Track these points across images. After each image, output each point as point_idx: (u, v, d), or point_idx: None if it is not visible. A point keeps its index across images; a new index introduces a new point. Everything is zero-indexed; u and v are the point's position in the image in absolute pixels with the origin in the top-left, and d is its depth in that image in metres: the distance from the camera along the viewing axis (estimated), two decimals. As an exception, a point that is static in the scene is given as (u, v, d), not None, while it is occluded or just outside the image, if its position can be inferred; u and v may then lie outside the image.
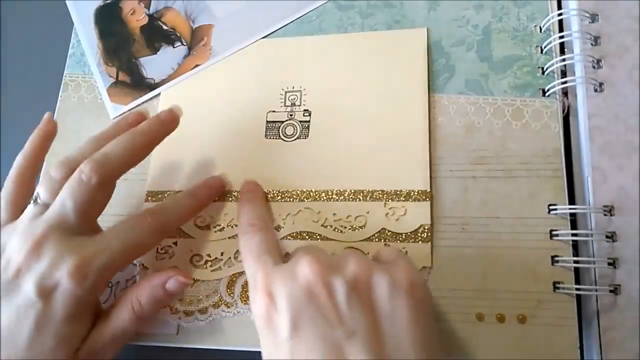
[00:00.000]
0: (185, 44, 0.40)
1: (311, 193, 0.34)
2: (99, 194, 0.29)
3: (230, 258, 0.33)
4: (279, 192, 0.34)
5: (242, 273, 0.33)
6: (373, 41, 0.37)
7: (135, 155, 0.30)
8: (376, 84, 0.35)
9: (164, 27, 0.41)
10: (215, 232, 0.34)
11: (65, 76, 0.41)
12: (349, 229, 0.32)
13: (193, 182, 0.35)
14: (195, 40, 0.40)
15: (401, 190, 0.32)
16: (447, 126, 0.34)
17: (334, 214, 0.33)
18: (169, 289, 0.30)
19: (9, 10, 0.48)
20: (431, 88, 0.35)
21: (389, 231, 0.32)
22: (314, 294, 0.24)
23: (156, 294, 0.30)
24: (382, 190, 0.33)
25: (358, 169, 0.34)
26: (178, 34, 0.41)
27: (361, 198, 0.33)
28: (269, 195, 0.34)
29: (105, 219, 0.33)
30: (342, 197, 0.33)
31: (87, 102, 0.40)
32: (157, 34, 0.41)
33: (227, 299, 0.32)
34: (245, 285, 0.32)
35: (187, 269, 0.33)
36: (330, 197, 0.33)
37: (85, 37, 0.42)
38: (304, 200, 0.33)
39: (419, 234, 0.31)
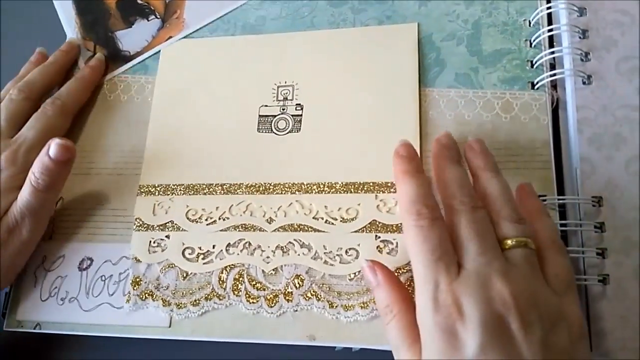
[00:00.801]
0: (159, 17, 0.42)
1: (303, 186, 0.34)
2: (25, 104, 0.38)
3: (222, 250, 0.33)
4: (270, 184, 0.34)
5: (233, 265, 0.33)
6: (364, 36, 0.37)
7: (48, 75, 0.40)
8: (368, 78, 0.36)
9: (139, 1, 0.43)
10: (207, 225, 0.34)
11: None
12: (340, 220, 0.33)
13: (186, 175, 0.35)
14: (169, 13, 0.42)
15: (392, 182, 0.33)
16: (438, 119, 0.34)
17: (325, 207, 0.33)
18: (52, 155, 0.32)
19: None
20: (422, 82, 0.35)
21: (379, 222, 0.32)
22: (508, 322, 0.23)
23: (44, 162, 0.32)
24: (373, 182, 0.33)
25: (349, 162, 0.34)
26: (152, 8, 0.42)
27: (352, 190, 0.33)
28: (260, 188, 0.34)
29: (103, 213, 0.34)
30: (334, 190, 0.33)
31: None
32: (132, 9, 0.43)
33: (219, 291, 0.32)
34: (238, 278, 0.33)
35: (179, 262, 0.33)
36: (321, 189, 0.33)
37: (64, 13, 0.45)
38: (296, 193, 0.34)
39: None
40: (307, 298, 0.32)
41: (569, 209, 0.32)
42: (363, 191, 0.33)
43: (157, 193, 0.35)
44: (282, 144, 0.35)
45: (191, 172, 0.35)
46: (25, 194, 0.33)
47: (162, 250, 0.34)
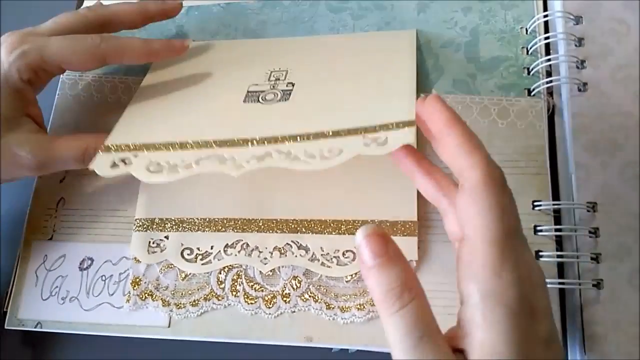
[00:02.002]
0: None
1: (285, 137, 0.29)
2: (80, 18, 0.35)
3: (220, 251, 0.34)
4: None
5: (231, 267, 0.33)
6: (363, 42, 0.38)
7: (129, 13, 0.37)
8: (365, 80, 0.35)
9: None
10: (205, 225, 0.34)
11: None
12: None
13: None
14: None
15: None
16: (435, 124, 0.35)
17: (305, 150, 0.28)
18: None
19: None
20: (420, 87, 0.36)
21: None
22: None
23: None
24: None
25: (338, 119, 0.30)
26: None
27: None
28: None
29: (103, 214, 0.34)
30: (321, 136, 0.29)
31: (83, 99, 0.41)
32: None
33: (217, 292, 0.33)
34: (236, 279, 0.33)
35: (178, 263, 0.34)
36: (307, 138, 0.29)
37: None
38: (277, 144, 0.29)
39: (406, 228, 0.32)
40: (304, 299, 0.32)
41: (564, 215, 0.32)
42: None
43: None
44: (268, 111, 0.32)
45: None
46: (71, 155, 0.32)
47: (162, 251, 0.34)
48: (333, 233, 0.33)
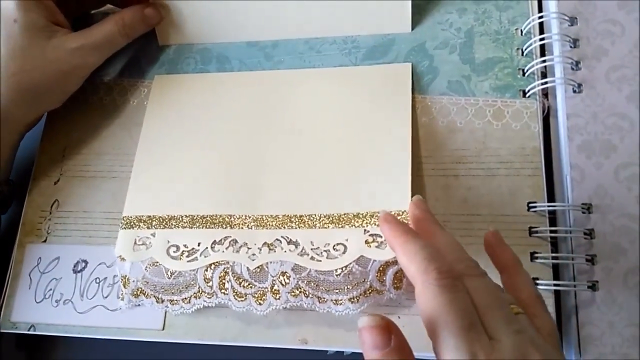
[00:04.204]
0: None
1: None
2: None
3: (207, 248, 0.33)
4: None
5: (218, 263, 0.32)
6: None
7: None
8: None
9: None
10: (193, 222, 0.34)
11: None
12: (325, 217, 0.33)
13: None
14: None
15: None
16: (430, 126, 0.35)
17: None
18: (147, 14, 0.39)
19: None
20: (415, 89, 0.36)
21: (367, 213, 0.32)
22: None
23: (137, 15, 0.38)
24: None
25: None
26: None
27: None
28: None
29: (98, 216, 0.34)
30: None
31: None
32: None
33: (206, 290, 0.32)
34: (223, 276, 0.32)
35: (163, 260, 0.33)
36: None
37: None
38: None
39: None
40: (294, 295, 0.31)
41: (559, 216, 0.32)
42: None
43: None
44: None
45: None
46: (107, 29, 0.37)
47: (147, 249, 0.33)
48: (324, 227, 0.32)
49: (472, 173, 0.33)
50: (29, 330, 0.34)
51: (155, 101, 0.39)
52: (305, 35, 0.39)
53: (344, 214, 0.32)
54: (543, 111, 0.34)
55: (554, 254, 0.31)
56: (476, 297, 0.23)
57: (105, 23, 0.37)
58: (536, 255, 0.31)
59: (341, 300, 0.31)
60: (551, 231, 0.31)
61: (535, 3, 0.36)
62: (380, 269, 0.31)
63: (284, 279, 0.31)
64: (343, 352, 0.32)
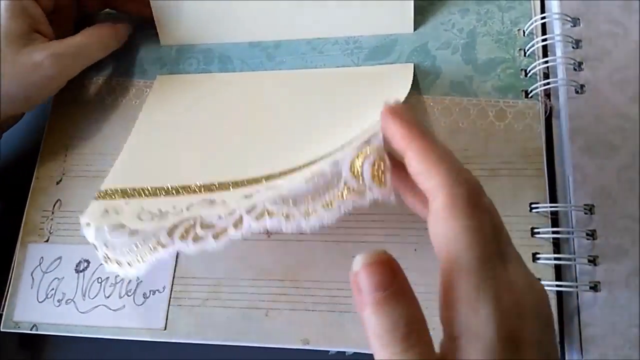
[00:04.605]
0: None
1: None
2: None
3: (182, 209, 0.29)
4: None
5: (187, 219, 0.29)
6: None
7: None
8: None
9: None
10: (172, 192, 0.31)
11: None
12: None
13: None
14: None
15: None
16: (432, 127, 0.35)
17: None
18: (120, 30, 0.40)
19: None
20: (417, 90, 0.36)
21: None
22: None
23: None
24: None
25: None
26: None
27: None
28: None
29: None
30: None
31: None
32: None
33: (164, 241, 0.28)
34: (188, 228, 0.28)
35: (130, 223, 0.29)
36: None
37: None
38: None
39: None
40: (258, 218, 0.27)
41: (561, 217, 0.32)
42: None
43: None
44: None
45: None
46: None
47: (117, 214, 0.30)
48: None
49: (474, 173, 0.33)
50: (31, 330, 0.34)
51: (155, 97, 0.39)
52: (307, 35, 0.39)
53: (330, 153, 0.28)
54: (545, 112, 0.34)
55: (556, 255, 0.31)
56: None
57: (80, 34, 0.37)
58: (538, 256, 0.31)
59: (313, 210, 0.25)
60: (553, 232, 0.31)
61: (538, 4, 0.36)
62: (354, 163, 0.25)
63: (249, 207, 0.27)
64: (345, 352, 0.32)
